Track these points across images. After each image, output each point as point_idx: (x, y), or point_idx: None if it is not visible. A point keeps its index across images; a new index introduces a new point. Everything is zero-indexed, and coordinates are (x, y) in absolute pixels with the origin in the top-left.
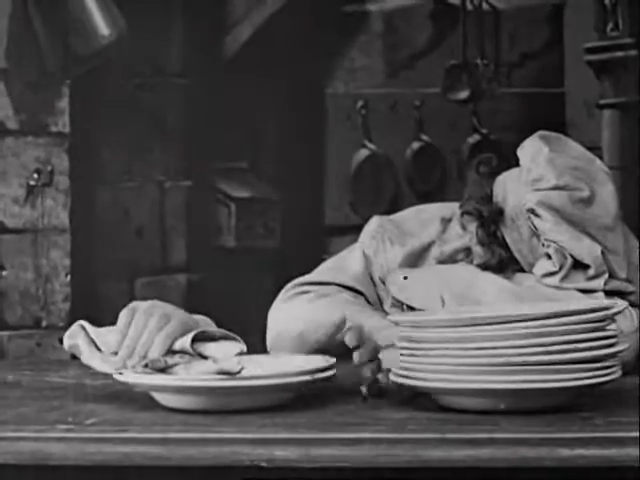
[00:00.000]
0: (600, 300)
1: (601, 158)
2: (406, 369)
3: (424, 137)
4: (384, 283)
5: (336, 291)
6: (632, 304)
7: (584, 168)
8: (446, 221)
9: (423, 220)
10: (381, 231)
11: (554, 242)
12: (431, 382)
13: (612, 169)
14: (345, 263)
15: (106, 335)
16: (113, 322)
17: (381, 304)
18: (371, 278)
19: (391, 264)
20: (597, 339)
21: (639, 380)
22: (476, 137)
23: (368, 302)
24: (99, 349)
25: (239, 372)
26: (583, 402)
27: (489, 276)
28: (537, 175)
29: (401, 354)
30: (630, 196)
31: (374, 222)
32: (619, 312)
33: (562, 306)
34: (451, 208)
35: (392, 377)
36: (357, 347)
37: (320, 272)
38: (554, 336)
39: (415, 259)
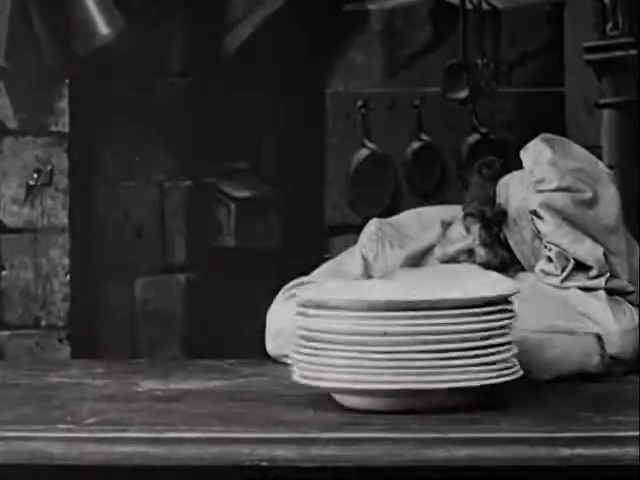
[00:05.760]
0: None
1: (601, 158)
2: (305, 369)
3: (424, 137)
4: None
5: None
6: (632, 304)
7: (587, 170)
8: (446, 224)
9: (423, 223)
10: (380, 234)
11: (556, 245)
12: (330, 382)
13: (612, 169)
14: (344, 266)
15: None
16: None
17: None
18: None
19: (391, 267)
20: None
21: (639, 380)
22: (476, 137)
23: None
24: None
25: None
26: (583, 402)
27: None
28: (540, 177)
29: (299, 351)
30: (630, 196)
31: (373, 225)
32: (513, 295)
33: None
34: (451, 211)
35: (295, 377)
36: None
37: (319, 274)
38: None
39: (415, 262)
